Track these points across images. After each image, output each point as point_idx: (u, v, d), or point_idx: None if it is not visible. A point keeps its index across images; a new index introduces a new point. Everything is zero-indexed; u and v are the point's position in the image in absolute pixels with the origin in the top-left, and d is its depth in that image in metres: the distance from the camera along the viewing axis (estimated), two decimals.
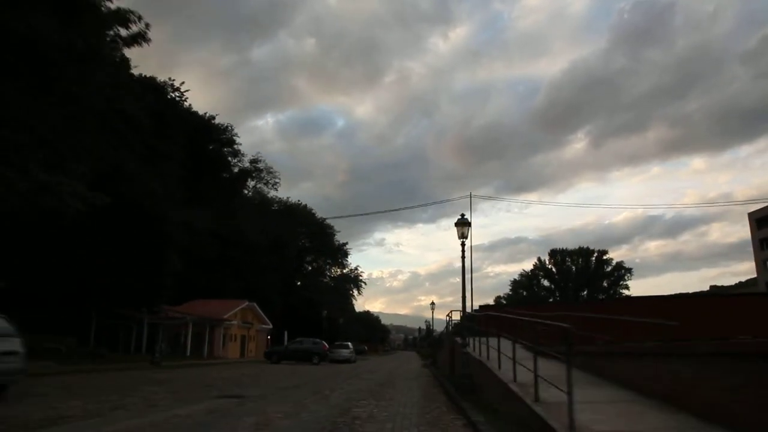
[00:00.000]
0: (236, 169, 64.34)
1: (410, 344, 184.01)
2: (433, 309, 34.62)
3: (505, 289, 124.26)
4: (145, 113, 46.99)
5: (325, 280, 76.14)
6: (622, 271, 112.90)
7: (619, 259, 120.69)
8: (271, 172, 66.24)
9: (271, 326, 53.79)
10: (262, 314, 51.15)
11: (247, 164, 65.07)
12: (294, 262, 66.73)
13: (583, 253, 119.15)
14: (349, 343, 39.47)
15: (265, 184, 67.10)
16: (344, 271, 75.92)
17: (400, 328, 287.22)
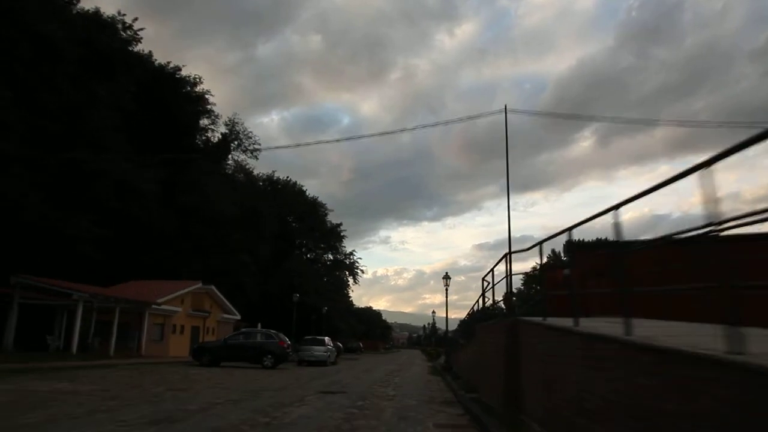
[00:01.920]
0: (210, 133, 52.27)
1: (415, 342, 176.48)
2: (447, 285, 22.15)
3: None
4: (74, 44, 35.46)
5: (317, 266, 63.77)
6: None
7: None
8: (249, 137, 54.01)
9: (239, 317, 41.48)
10: (225, 301, 38.87)
11: (222, 128, 53.08)
12: (277, 244, 54.41)
13: (602, 244, 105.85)
14: (326, 339, 27.05)
15: (243, 151, 54.87)
16: (338, 256, 63.51)
17: (404, 326, 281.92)
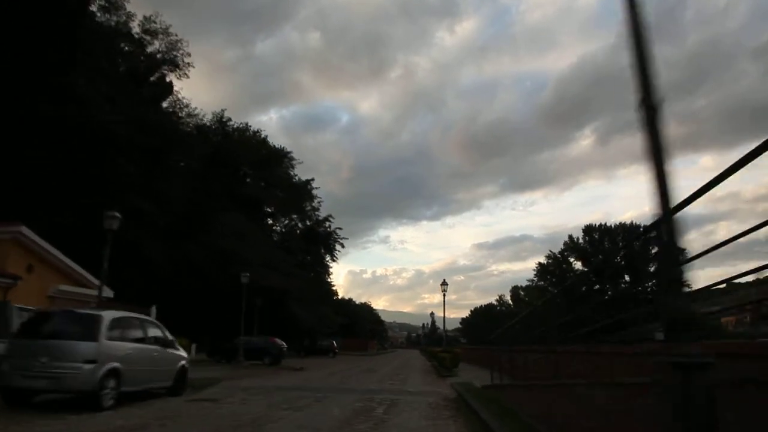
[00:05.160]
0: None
1: (414, 342, 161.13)
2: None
3: (506, 290, 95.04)
4: None
5: (288, 242, 44.76)
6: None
7: None
8: (174, 46, 35.35)
9: (109, 294, 22.73)
10: (68, 262, 20.29)
11: (136, 29, 34.62)
12: (217, 201, 35.74)
13: (626, 229, 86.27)
14: (97, 317, 7.97)
15: (171, 69, 36.26)
16: (308, 222, 44.67)
17: (403, 326, 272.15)
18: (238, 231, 31.28)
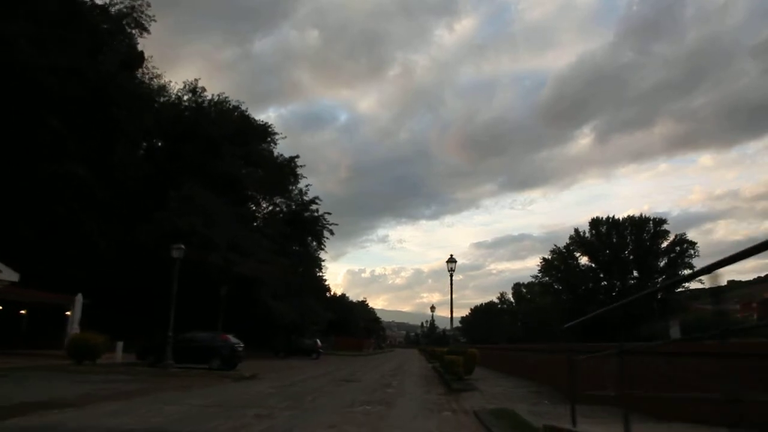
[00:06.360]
0: None
1: (413, 341, 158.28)
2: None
3: (504, 288, 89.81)
4: None
5: (270, 229, 38.99)
6: (684, 246, 74.33)
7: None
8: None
9: (13, 277, 17.22)
10: None
11: None
12: (181, 176, 30.16)
13: (635, 223, 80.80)
14: None
15: (130, 25, 30.71)
16: (292, 205, 39.04)
17: (402, 325, 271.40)
18: (203, 209, 25.78)
